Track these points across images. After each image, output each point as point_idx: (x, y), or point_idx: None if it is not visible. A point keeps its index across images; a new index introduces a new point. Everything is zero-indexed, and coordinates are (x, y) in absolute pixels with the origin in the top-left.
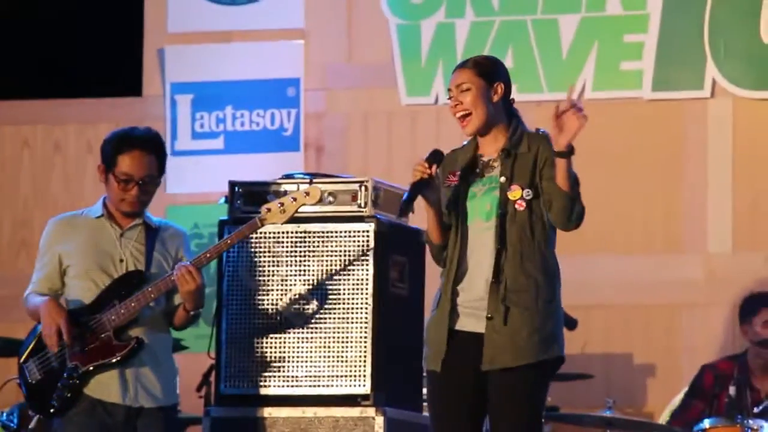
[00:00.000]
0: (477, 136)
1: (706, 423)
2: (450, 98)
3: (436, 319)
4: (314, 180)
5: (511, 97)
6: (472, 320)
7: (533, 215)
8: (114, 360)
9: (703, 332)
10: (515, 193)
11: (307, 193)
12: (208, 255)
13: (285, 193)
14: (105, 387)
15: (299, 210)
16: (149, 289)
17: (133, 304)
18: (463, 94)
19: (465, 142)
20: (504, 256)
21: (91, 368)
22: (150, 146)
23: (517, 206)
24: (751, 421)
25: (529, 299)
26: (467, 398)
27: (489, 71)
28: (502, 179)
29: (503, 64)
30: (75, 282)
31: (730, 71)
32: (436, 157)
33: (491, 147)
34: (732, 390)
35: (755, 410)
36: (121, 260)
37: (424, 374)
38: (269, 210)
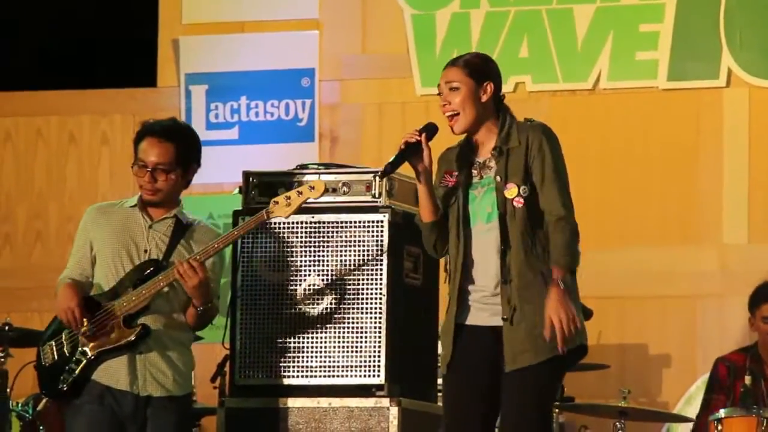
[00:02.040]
0: (471, 135)
1: (722, 413)
2: (439, 94)
3: (446, 323)
4: (329, 170)
5: (502, 93)
6: (484, 314)
7: (532, 209)
8: (120, 345)
9: (718, 323)
10: (511, 191)
11: (312, 187)
12: (215, 246)
13: (299, 183)
14: (114, 374)
15: (309, 201)
16: (159, 277)
17: (143, 292)
18: (453, 93)
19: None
20: (509, 256)
21: (99, 353)
22: (167, 134)
23: (515, 204)
24: (766, 411)
25: (538, 294)
26: (483, 398)
27: (479, 71)
28: (498, 179)
29: (494, 62)
30: (101, 268)
31: (745, 61)
32: (429, 128)
33: (484, 146)
34: (747, 380)
35: None
36: (146, 250)
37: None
38: (276, 203)
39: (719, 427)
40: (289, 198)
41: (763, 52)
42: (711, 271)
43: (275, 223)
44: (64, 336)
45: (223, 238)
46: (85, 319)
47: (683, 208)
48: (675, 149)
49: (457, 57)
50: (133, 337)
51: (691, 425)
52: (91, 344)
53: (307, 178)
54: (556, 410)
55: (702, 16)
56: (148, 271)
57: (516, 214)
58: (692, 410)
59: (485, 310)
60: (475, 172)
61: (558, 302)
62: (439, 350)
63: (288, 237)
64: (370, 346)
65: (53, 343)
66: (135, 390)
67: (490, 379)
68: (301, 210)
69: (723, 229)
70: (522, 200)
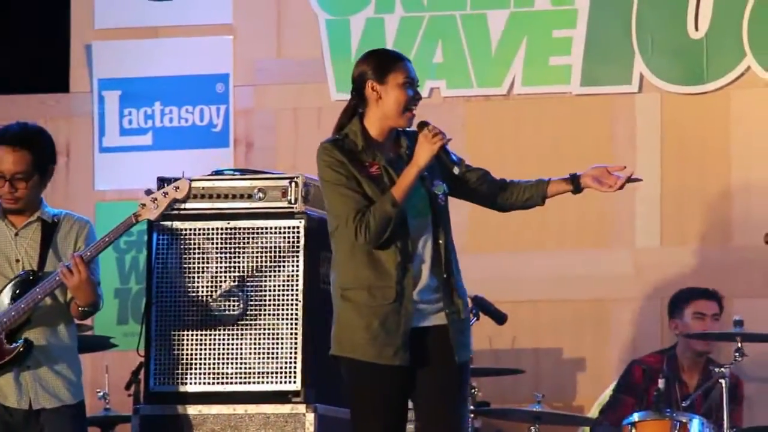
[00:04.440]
0: (365, 125)
1: (635, 417)
2: (412, 87)
3: (393, 313)
4: (244, 176)
5: None
6: (426, 317)
7: (447, 211)
8: (4, 362)
9: (631, 326)
10: (439, 188)
11: (177, 187)
12: (87, 255)
13: (212, 189)
14: (2, 391)
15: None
16: (37, 289)
17: (22, 306)
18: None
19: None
20: (444, 250)
21: None
22: (20, 142)
23: (440, 201)
24: (679, 414)
25: (464, 292)
26: (422, 391)
27: None
28: (425, 173)
29: None
30: None
31: (657, 66)
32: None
33: (389, 140)
34: (661, 383)
35: (684, 404)
36: (17, 260)
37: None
38: (144, 205)
39: (632, 431)
40: (155, 200)
41: (675, 57)
42: (624, 274)
43: (190, 230)
44: None
45: (95, 246)
46: None
47: (596, 213)
48: (588, 154)
49: (402, 54)
50: (14, 356)
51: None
52: None
53: (222, 184)
54: (472, 415)
55: (614, 21)
56: (25, 282)
57: (442, 212)
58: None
59: (428, 311)
60: (397, 163)
61: None
62: None
63: (203, 243)
64: (286, 353)
65: None
66: (23, 406)
67: (408, 378)
68: (216, 216)
69: (636, 233)
70: (444, 199)
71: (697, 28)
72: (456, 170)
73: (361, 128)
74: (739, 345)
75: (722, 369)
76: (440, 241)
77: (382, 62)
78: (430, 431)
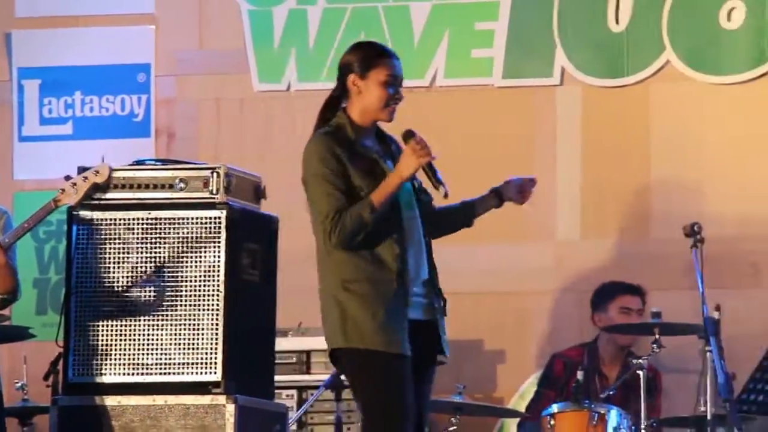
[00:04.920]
0: (360, 124)
1: (555, 408)
2: (394, 85)
3: (397, 304)
4: (165, 166)
5: None
6: (419, 310)
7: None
8: None
9: (551, 319)
10: (419, 184)
11: (97, 172)
12: (6, 242)
13: (133, 179)
14: None
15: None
16: None
17: None
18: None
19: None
20: (427, 245)
21: None
22: None
23: (423, 196)
24: (597, 405)
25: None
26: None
27: None
28: None
29: None
30: None
31: (578, 59)
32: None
33: (371, 134)
34: (580, 375)
35: (602, 395)
36: None
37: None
38: (63, 191)
39: (552, 422)
40: (75, 185)
41: (596, 50)
42: (545, 267)
43: (110, 220)
44: None
45: (13, 232)
46: None
47: (516, 206)
48: (510, 147)
49: (391, 50)
50: None
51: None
52: None
53: (143, 174)
54: None
55: (536, 14)
56: None
57: (422, 208)
58: (525, 405)
59: (418, 305)
60: (388, 155)
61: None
62: (280, 347)
63: (124, 233)
64: (207, 343)
65: None
66: None
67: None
68: (137, 206)
69: (556, 226)
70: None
71: (617, 22)
72: (441, 191)
73: (349, 120)
74: (657, 337)
75: (640, 361)
76: (426, 237)
77: (365, 57)
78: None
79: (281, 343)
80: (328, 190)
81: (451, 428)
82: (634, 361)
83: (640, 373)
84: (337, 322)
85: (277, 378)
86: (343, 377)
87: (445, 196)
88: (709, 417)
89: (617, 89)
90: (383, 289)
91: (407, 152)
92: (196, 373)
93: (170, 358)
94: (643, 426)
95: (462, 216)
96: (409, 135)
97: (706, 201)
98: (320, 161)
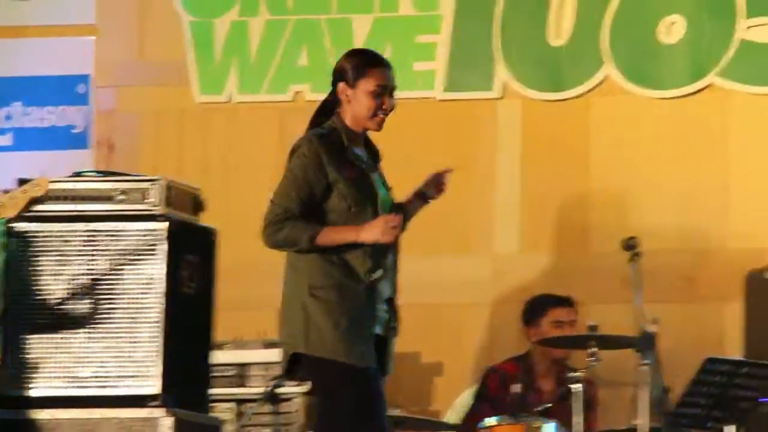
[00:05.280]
0: (349, 132)
1: (492, 421)
2: (383, 95)
3: (363, 316)
4: (105, 178)
5: None
6: (379, 325)
7: None
8: None
9: (489, 331)
10: (391, 193)
11: (37, 185)
12: None
13: (72, 191)
14: None
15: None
16: None
17: None
18: (392, 97)
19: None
20: (394, 258)
21: None
22: None
23: (393, 208)
24: (533, 419)
25: None
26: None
27: None
28: (381, 179)
29: None
30: None
31: (519, 73)
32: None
33: (358, 144)
34: (515, 388)
35: (538, 409)
36: None
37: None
38: (2, 204)
39: None
40: (14, 198)
41: (536, 64)
42: (482, 279)
43: (49, 232)
44: None
45: None
46: None
47: (456, 218)
48: (450, 160)
49: (384, 58)
50: None
51: None
52: None
53: (83, 185)
54: None
55: (478, 28)
56: None
57: None
58: (460, 418)
59: (381, 319)
60: (371, 166)
61: None
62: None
63: (62, 246)
64: (144, 356)
65: None
66: None
67: None
68: (76, 218)
69: (494, 239)
70: None
71: (558, 36)
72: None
73: (343, 125)
74: (594, 350)
75: (577, 374)
76: (396, 252)
77: (356, 66)
78: None
79: (218, 356)
80: (290, 191)
81: None
82: (571, 374)
83: (577, 386)
84: (300, 327)
85: (214, 391)
86: (281, 390)
87: (376, 280)
88: (644, 430)
89: (557, 103)
90: (350, 298)
91: (379, 222)
92: (133, 386)
93: (107, 371)
94: None
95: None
96: (394, 208)
97: (644, 215)
98: (300, 161)
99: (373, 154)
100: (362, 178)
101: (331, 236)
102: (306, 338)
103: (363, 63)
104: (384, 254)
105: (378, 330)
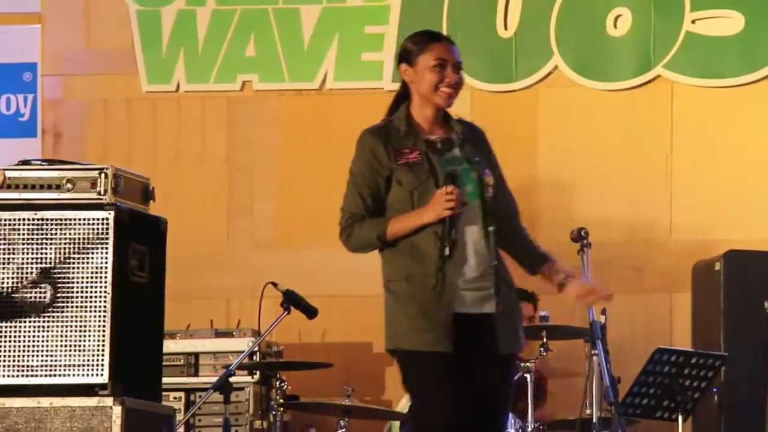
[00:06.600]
0: (411, 111)
1: None
2: (444, 68)
3: (433, 300)
4: (53, 167)
5: None
6: (474, 303)
7: (497, 200)
8: None
9: None
10: (489, 178)
11: None
12: None
13: (19, 179)
14: None
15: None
16: None
17: None
18: (458, 72)
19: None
20: (492, 238)
21: None
22: None
23: (489, 190)
24: None
25: (511, 282)
26: (466, 381)
27: None
28: (477, 159)
29: None
30: None
31: (468, 64)
32: (452, 177)
33: (436, 124)
34: None
35: None
36: None
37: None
38: None
39: None
40: None
41: (485, 55)
42: None
43: None
44: None
45: None
46: None
47: None
48: None
49: (444, 35)
50: None
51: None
52: None
53: (30, 174)
54: (281, 409)
55: (425, 19)
56: None
57: (490, 201)
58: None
59: (472, 298)
60: (439, 146)
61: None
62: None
63: (9, 234)
64: (93, 345)
65: None
66: None
67: (470, 365)
68: (23, 207)
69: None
70: (492, 191)
71: (506, 27)
72: (445, 251)
73: (406, 114)
74: (544, 341)
75: (528, 364)
76: (489, 228)
77: (416, 43)
78: (468, 425)
79: (169, 346)
80: (351, 194)
81: (339, 431)
82: (522, 364)
83: (527, 376)
84: (385, 323)
85: (165, 380)
86: (231, 379)
87: (447, 256)
88: (594, 420)
89: (506, 94)
90: (419, 285)
91: (435, 198)
92: (83, 375)
93: (56, 360)
94: (530, 429)
95: (529, 260)
96: (447, 179)
97: (592, 206)
98: (356, 159)
99: (454, 136)
100: (421, 161)
101: (397, 227)
102: (386, 334)
103: (422, 40)
104: (454, 228)
105: (465, 308)
